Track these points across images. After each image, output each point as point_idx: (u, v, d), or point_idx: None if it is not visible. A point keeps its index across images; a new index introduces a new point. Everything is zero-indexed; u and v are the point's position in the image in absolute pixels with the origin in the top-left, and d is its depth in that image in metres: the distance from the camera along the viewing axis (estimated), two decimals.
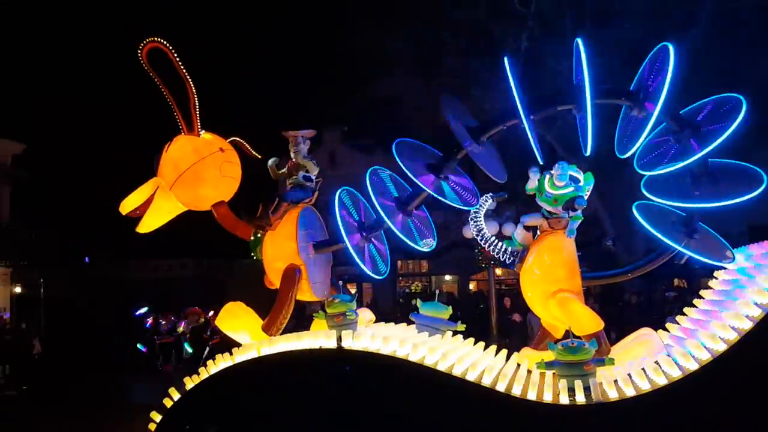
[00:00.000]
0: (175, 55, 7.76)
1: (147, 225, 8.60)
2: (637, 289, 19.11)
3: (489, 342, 11.45)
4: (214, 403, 7.05)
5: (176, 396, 7.14)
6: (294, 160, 8.51)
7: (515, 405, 6.01)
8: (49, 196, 26.39)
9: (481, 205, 8.43)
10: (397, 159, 7.07)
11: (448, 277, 24.69)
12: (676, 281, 20.22)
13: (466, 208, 7.83)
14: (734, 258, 7.15)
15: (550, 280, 7.36)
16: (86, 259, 25.90)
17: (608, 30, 17.71)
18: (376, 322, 8.78)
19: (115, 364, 17.81)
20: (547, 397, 5.97)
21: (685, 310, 7.63)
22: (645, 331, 7.30)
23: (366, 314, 8.81)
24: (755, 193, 6.69)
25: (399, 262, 25.42)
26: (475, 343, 8.29)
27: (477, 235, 8.39)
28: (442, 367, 6.22)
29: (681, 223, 7.28)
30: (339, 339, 6.57)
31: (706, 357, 5.91)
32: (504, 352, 8.52)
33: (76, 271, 25.64)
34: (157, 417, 7.14)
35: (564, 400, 5.91)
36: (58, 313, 24.32)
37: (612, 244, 17.51)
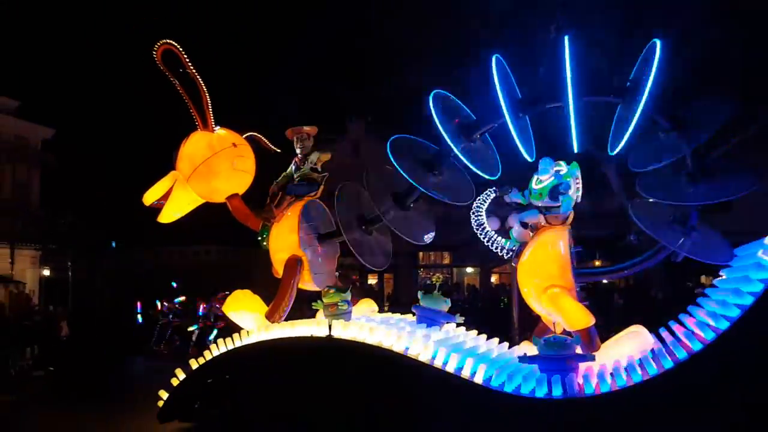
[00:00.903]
0: (185, 56, 8.35)
1: (167, 215, 9.41)
2: (663, 285, 19.19)
3: (511, 335, 11.75)
4: (216, 383, 7.70)
5: (182, 376, 7.81)
6: (299, 156, 9.10)
7: (492, 396, 6.44)
8: (78, 181, 27.46)
9: (483, 200, 8.85)
10: (391, 157, 7.48)
11: (469, 270, 25.01)
12: (703, 278, 20.20)
13: (458, 203, 8.16)
14: (731, 257, 7.37)
15: (544, 275, 7.71)
16: (113, 244, 26.98)
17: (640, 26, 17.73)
18: (396, 312, 9.26)
19: (140, 347, 18.62)
20: (525, 390, 6.37)
21: (690, 308, 7.90)
22: (635, 329, 7.61)
23: (368, 305, 9.36)
24: (752, 188, 7.00)
25: (421, 254, 25.84)
26: (492, 336, 8.75)
27: (477, 229, 8.81)
28: (423, 357, 6.70)
29: (678, 221, 7.55)
30: (330, 327, 7.11)
31: (682, 356, 6.25)
32: (505, 344, 8.96)
33: (103, 255, 26.68)
34: (164, 395, 7.83)
35: (540, 393, 6.31)
36: (85, 296, 25.46)
37: (636, 239, 17.62)
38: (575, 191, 8.04)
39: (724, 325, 6.26)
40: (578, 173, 8.15)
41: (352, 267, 21.66)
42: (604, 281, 22.59)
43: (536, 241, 7.98)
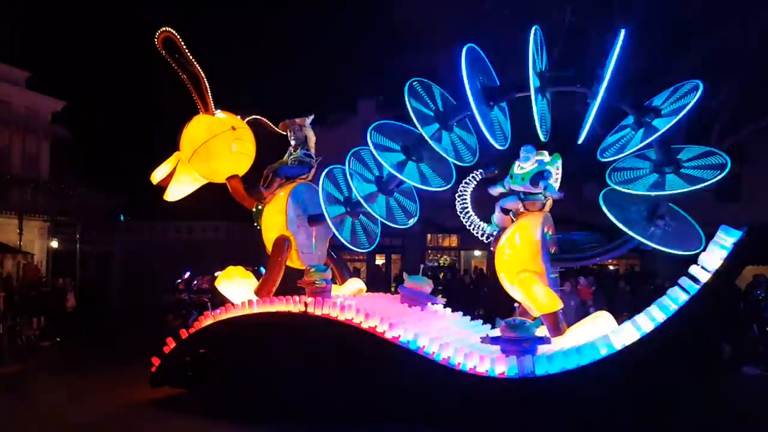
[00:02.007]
0: (183, 43, 9.15)
1: (172, 194, 10.39)
2: (669, 274, 19.70)
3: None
4: (203, 351, 8.63)
5: (173, 345, 8.76)
6: (293, 145, 9.99)
7: (449, 374, 7.21)
8: (88, 154, 28.33)
9: (468, 183, 9.43)
10: (370, 144, 8.18)
11: (477, 253, 25.55)
12: None
13: (436, 189, 8.81)
14: (699, 246, 7.90)
15: (516, 260, 8.40)
16: (121, 218, 27.93)
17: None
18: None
19: (147, 319, 19.55)
20: (480, 370, 7.12)
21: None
22: (601, 314, 8.30)
23: (356, 284, 10.16)
24: (720, 176, 7.39)
25: (428, 236, 26.46)
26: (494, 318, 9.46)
27: (460, 213, 9.42)
28: (388, 335, 7.52)
29: (648, 211, 8.10)
30: (305, 304, 7.95)
31: (629, 341, 6.91)
32: (487, 326, 9.70)
33: (111, 228, 27.63)
34: (156, 362, 8.78)
35: (495, 373, 7.05)
36: (93, 268, 26.50)
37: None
38: (555, 180, 8.74)
39: (668, 313, 6.90)
40: (559, 164, 8.84)
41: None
42: (611, 267, 23.21)
43: (513, 227, 8.67)
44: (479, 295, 19.60)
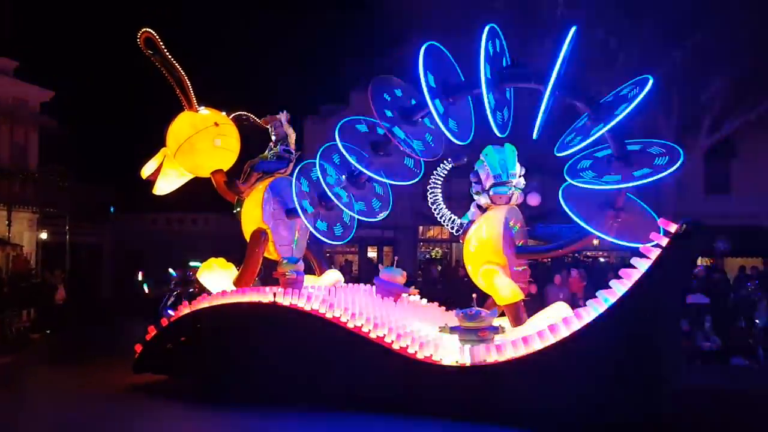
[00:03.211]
0: (161, 43, 9.91)
1: (160, 188, 11.17)
2: None
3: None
4: (182, 338, 9.47)
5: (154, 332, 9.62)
6: (274, 140, 10.74)
7: (406, 362, 7.94)
8: (78, 144, 28.93)
9: (438, 175, 10.04)
10: (338, 140, 8.90)
11: None
12: (699, 260, 21.36)
13: (400, 183, 9.55)
14: (646, 239, 8.40)
15: (480, 252, 9.11)
16: (111, 209, 28.60)
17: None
18: None
19: (136, 311, 20.20)
20: (436, 358, 7.85)
21: None
22: (558, 305, 8.97)
23: (333, 275, 10.91)
24: (674, 168, 7.89)
25: (420, 228, 27.21)
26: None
27: (431, 204, 10.04)
28: (350, 324, 8.33)
29: (607, 204, 8.70)
30: (274, 294, 8.75)
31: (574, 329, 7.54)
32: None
33: (101, 220, 28.29)
34: (139, 349, 9.64)
35: (448, 361, 7.79)
36: (83, 260, 27.22)
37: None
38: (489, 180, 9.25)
39: (602, 307, 7.55)
40: (482, 159, 9.32)
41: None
42: (602, 260, 23.95)
43: (480, 220, 9.36)
44: (471, 287, 20.22)
